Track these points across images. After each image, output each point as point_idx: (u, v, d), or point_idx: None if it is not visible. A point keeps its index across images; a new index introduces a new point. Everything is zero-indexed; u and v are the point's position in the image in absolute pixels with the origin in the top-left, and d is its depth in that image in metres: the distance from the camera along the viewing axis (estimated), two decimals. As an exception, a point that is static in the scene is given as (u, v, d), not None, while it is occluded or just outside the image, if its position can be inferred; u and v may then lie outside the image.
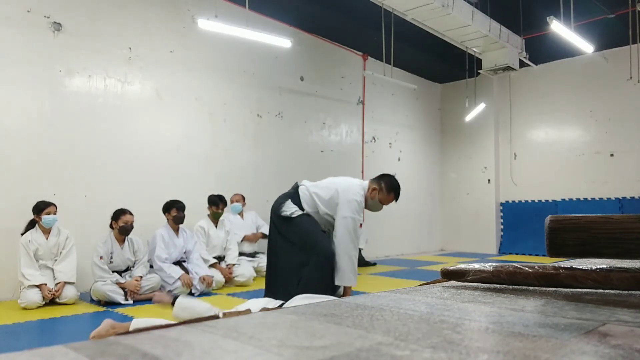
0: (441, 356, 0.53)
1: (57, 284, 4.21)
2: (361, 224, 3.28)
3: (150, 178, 5.50)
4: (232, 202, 6.00)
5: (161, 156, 5.64)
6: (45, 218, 4.24)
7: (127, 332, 0.62)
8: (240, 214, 6.10)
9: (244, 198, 6.11)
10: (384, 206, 3.45)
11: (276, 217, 3.39)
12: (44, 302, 4.08)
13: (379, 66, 7.38)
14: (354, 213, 3.22)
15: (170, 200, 5.02)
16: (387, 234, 8.55)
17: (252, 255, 6.01)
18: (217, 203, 5.46)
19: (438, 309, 0.82)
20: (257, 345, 0.56)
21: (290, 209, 3.35)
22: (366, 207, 3.42)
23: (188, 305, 2.50)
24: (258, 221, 6.24)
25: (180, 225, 5.05)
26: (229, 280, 5.26)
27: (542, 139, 9.06)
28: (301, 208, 3.38)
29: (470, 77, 8.81)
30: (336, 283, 3.17)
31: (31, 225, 4.29)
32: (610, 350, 0.57)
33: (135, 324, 2.47)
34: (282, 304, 2.87)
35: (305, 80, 7.41)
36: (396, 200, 3.46)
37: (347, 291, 3.24)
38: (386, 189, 3.40)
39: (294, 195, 3.44)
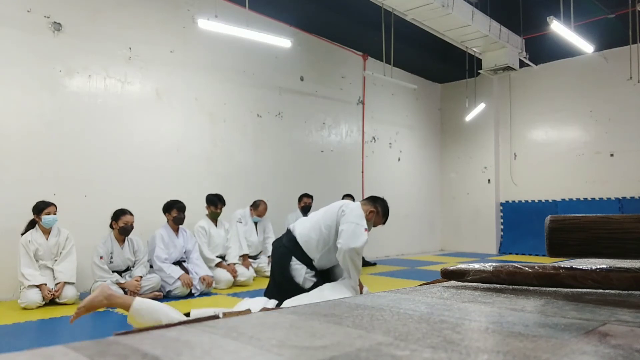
0: (441, 356, 0.53)
1: (56, 284, 4.21)
2: (366, 229, 3.13)
3: (150, 178, 5.50)
4: (259, 212, 5.97)
5: (161, 156, 5.64)
6: (45, 218, 4.24)
7: (128, 332, 0.62)
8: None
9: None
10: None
11: (285, 279, 3.17)
12: (44, 302, 4.08)
13: (379, 66, 7.38)
14: (358, 219, 3.13)
15: (171, 201, 5.02)
16: (387, 234, 8.53)
17: (254, 257, 6.00)
18: (215, 203, 5.46)
19: (438, 309, 0.82)
20: (257, 345, 0.56)
21: (299, 274, 3.15)
22: None
23: (146, 307, 2.35)
24: (267, 231, 6.19)
25: (180, 225, 5.05)
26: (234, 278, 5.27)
27: (542, 139, 9.06)
28: (308, 261, 3.20)
29: (470, 77, 8.81)
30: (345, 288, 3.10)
31: (31, 225, 4.29)
32: (610, 350, 0.57)
33: (139, 304, 2.34)
34: (279, 304, 2.87)
35: (305, 80, 7.41)
36: (384, 224, 3.45)
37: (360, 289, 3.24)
38: (382, 212, 3.37)
39: (295, 250, 3.20)
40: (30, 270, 4.12)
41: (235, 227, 5.76)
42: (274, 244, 3.47)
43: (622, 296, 1.00)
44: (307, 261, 3.20)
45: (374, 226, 3.39)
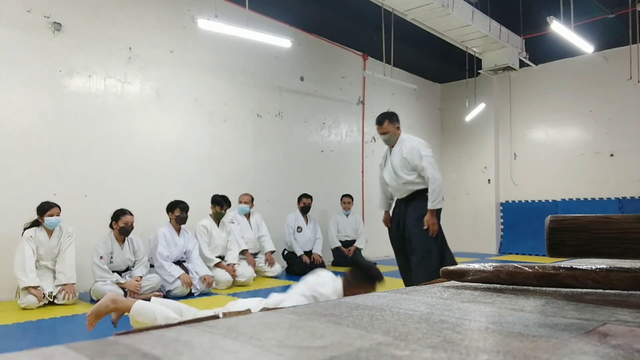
0: (441, 356, 0.53)
1: (57, 286, 4.20)
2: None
3: (150, 178, 5.50)
4: (240, 202, 6.00)
5: (161, 156, 5.64)
6: (47, 220, 4.24)
7: (128, 332, 0.62)
8: (247, 215, 6.09)
9: (252, 200, 6.10)
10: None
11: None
12: (43, 303, 4.08)
13: (379, 66, 7.37)
14: (426, 151, 4.60)
15: (175, 200, 5.04)
16: (387, 234, 8.53)
17: (253, 255, 6.01)
18: (221, 204, 5.48)
19: (438, 309, 0.82)
20: (257, 345, 0.56)
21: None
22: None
23: (146, 310, 2.54)
24: (261, 228, 6.18)
25: (182, 226, 5.06)
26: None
27: (542, 139, 9.06)
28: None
29: (470, 77, 8.81)
30: (430, 207, 4.17)
31: (35, 223, 4.28)
32: (610, 350, 0.57)
33: (138, 305, 2.51)
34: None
35: (305, 80, 7.41)
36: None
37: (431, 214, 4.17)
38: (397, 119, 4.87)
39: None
40: (29, 265, 4.07)
41: (229, 229, 5.79)
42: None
43: (622, 296, 1.00)
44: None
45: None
